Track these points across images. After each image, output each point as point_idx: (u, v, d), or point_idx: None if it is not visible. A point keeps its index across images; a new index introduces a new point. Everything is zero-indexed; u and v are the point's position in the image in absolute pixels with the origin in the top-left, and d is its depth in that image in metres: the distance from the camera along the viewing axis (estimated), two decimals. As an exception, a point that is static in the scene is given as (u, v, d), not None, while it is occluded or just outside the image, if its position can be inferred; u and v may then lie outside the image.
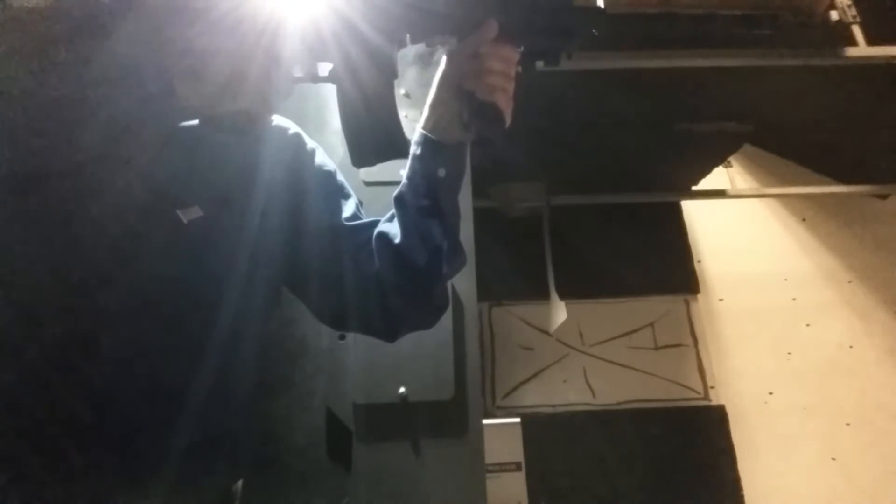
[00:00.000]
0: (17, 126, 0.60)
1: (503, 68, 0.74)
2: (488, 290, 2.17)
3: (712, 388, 2.68)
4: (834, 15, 1.65)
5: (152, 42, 0.62)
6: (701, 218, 2.98)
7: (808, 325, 2.84)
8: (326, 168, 0.91)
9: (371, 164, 0.79)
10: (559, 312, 2.22)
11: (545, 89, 1.71)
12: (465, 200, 1.44)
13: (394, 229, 0.82)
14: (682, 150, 2.40)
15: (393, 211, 0.84)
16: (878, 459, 2.59)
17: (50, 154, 0.63)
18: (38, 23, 0.58)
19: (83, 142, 0.64)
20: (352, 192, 0.92)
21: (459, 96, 0.77)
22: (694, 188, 2.79)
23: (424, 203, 0.80)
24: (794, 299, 2.88)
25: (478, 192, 1.50)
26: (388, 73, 0.75)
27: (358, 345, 1.28)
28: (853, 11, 1.69)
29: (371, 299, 0.83)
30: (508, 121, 0.76)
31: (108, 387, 0.70)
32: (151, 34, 0.62)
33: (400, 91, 1.45)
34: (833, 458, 2.60)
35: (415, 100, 1.46)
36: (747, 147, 2.79)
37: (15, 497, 0.65)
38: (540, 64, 0.78)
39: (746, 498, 2.47)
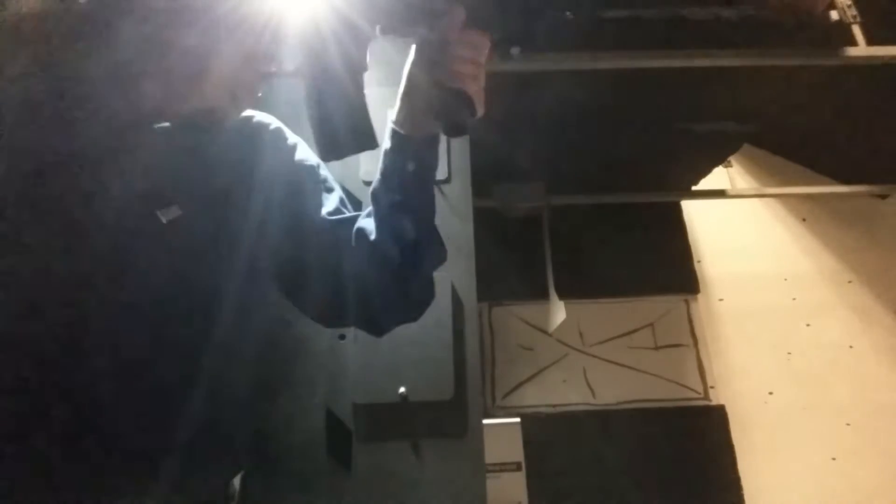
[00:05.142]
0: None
1: (472, 55, 0.73)
2: (488, 290, 2.17)
3: (712, 388, 2.67)
4: (834, 15, 1.65)
5: (119, 41, 0.61)
6: (701, 218, 2.98)
7: (808, 325, 2.84)
8: (308, 162, 0.90)
9: (339, 157, 0.77)
10: (559, 312, 2.22)
11: (545, 89, 1.71)
12: (465, 200, 1.44)
13: (371, 225, 0.82)
14: (682, 150, 2.39)
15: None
16: (878, 459, 2.58)
17: (23, 157, 0.62)
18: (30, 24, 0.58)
19: (56, 143, 0.63)
20: (336, 185, 0.90)
21: (429, 86, 0.75)
22: (694, 188, 2.78)
23: (396, 198, 0.80)
24: (794, 299, 2.88)
25: (478, 192, 1.49)
26: (357, 66, 0.74)
27: (358, 345, 1.28)
28: (853, 11, 1.68)
29: (354, 294, 0.83)
30: (481, 110, 0.75)
31: (102, 387, 0.69)
32: (126, 33, 0.61)
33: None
34: (833, 458, 2.60)
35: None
36: (747, 147, 2.79)
37: (12, 499, 0.65)
38: (516, 50, 0.77)
39: (746, 498, 2.47)
